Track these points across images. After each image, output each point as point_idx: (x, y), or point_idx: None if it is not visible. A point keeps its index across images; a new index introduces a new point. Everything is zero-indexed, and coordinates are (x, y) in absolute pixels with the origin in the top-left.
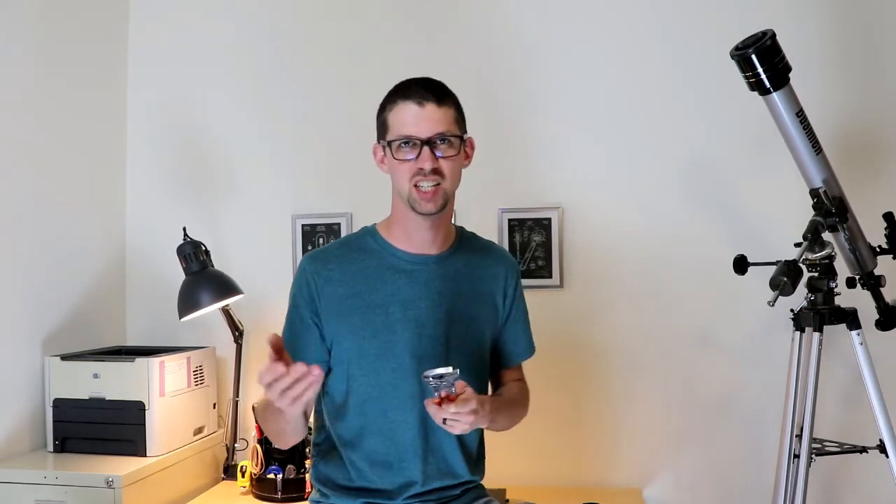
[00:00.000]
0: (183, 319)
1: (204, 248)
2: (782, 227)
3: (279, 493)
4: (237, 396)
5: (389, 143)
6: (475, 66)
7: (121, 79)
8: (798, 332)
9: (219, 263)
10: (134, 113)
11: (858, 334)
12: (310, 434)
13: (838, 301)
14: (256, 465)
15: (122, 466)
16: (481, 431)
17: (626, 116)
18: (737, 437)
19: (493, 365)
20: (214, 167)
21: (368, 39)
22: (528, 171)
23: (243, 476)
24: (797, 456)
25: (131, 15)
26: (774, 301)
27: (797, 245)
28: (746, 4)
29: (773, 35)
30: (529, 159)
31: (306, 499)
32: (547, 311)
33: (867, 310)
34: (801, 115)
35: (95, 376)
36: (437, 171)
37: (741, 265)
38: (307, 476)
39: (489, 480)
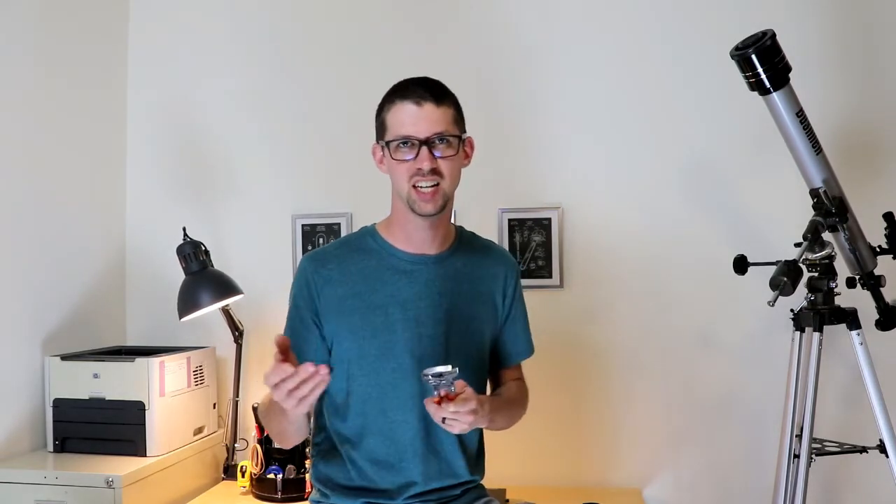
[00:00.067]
0: (183, 319)
1: (204, 248)
2: (782, 227)
3: (279, 493)
4: (237, 396)
5: (388, 144)
6: (475, 66)
7: (121, 79)
8: (798, 332)
9: (219, 263)
10: (134, 113)
11: (858, 334)
12: (310, 434)
13: (838, 301)
14: (256, 465)
15: (122, 466)
16: (481, 431)
17: (626, 116)
18: (737, 437)
19: (493, 364)
20: (214, 167)
21: (368, 39)
22: (528, 171)
23: (243, 476)
24: (797, 456)
25: (131, 15)
26: (774, 301)
27: (797, 245)
28: (746, 4)
29: (773, 35)
30: (529, 159)
31: (306, 499)
32: (547, 311)
33: (867, 310)
34: (801, 115)
35: (95, 376)
36: (435, 172)
37: (741, 265)
38: (307, 476)
39: (489, 480)
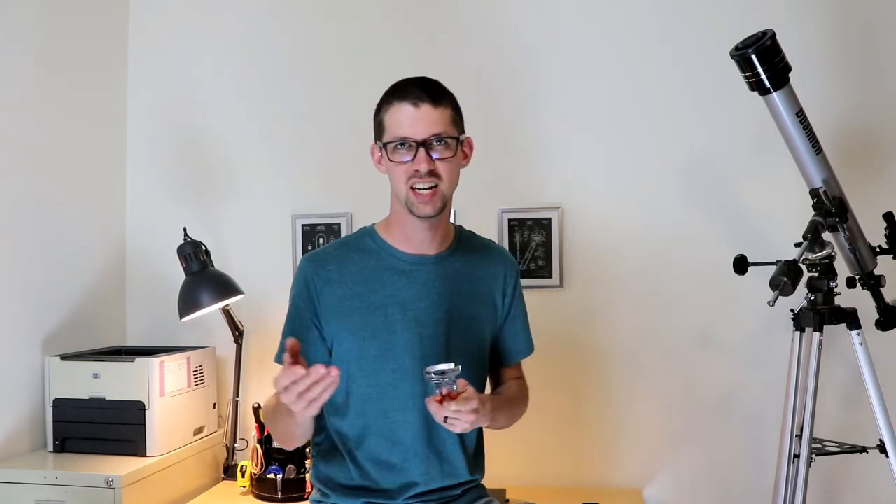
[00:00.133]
0: (184, 319)
1: (204, 248)
2: (782, 227)
3: (279, 493)
4: (237, 396)
5: (385, 145)
6: (475, 66)
7: (121, 79)
8: (798, 332)
9: (219, 263)
10: (134, 113)
11: (858, 334)
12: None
13: (838, 301)
14: (256, 465)
15: (122, 466)
16: (480, 430)
17: (626, 116)
18: (737, 437)
19: (493, 363)
20: (214, 167)
21: (368, 39)
22: (528, 171)
23: (243, 476)
24: (797, 456)
25: (131, 15)
26: (774, 301)
27: (797, 245)
28: (746, 4)
29: (773, 35)
30: (529, 159)
31: (306, 499)
32: (547, 311)
33: (867, 310)
34: (801, 115)
35: (95, 376)
36: (433, 173)
37: (741, 265)
38: (307, 476)
39: (489, 480)
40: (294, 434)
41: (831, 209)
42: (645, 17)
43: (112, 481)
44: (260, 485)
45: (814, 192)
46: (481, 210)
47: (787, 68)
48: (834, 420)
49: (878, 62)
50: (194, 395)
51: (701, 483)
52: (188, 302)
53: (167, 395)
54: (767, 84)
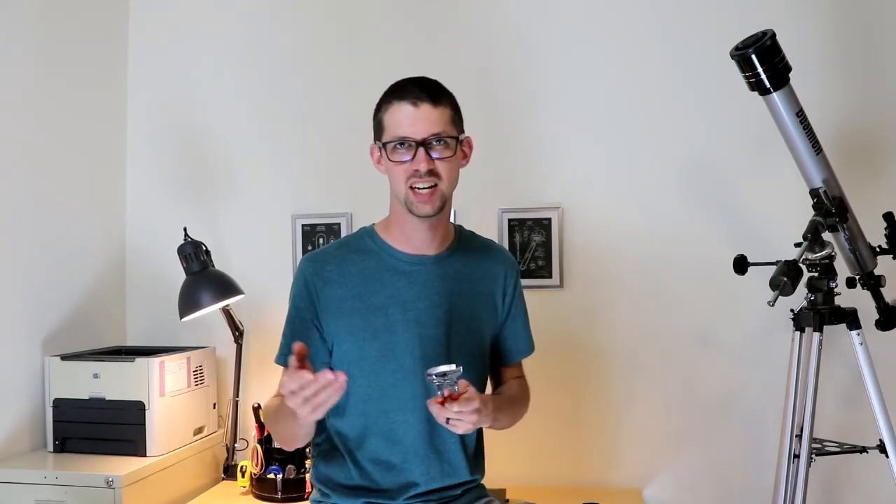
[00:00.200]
0: (184, 319)
1: (204, 248)
2: (782, 227)
3: (279, 493)
4: (237, 396)
5: (385, 145)
6: (475, 66)
7: (121, 79)
8: (798, 332)
9: (219, 263)
10: (134, 113)
11: (858, 334)
12: None
13: (838, 301)
14: (256, 465)
15: (122, 466)
16: (480, 430)
17: (626, 116)
18: (737, 437)
19: (494, 363)
20: (214, 167)
21: (368, 39)
22: (528, 171)
23: (243, 476)
24: (797, 456)
25: (131, 15)
26: (774, 301)
27: (797, 245)
28: (746, 4)
29: (773, 35)
30: (529, 159)
31: (306, 499)
32: (547, 311)
33: (867, 310)
34: (801, 115)
35: (95, 376)
36: (432, 173)
37: (741, 265)
38: (307, 476)
39: (489, 480)
40: (296, 435)
41: (831, 209)
42: (645, 17)
43: (112, 481)
44: (260, 485)
45: (814, 192)
46: (481, 210)
47: (787, 68)
48: (834, 420)
49: (878, 62)
50: (194, 395)
51: (701, 483)
52: (188, 302)
53: (167, 395)
54: (767, 84)
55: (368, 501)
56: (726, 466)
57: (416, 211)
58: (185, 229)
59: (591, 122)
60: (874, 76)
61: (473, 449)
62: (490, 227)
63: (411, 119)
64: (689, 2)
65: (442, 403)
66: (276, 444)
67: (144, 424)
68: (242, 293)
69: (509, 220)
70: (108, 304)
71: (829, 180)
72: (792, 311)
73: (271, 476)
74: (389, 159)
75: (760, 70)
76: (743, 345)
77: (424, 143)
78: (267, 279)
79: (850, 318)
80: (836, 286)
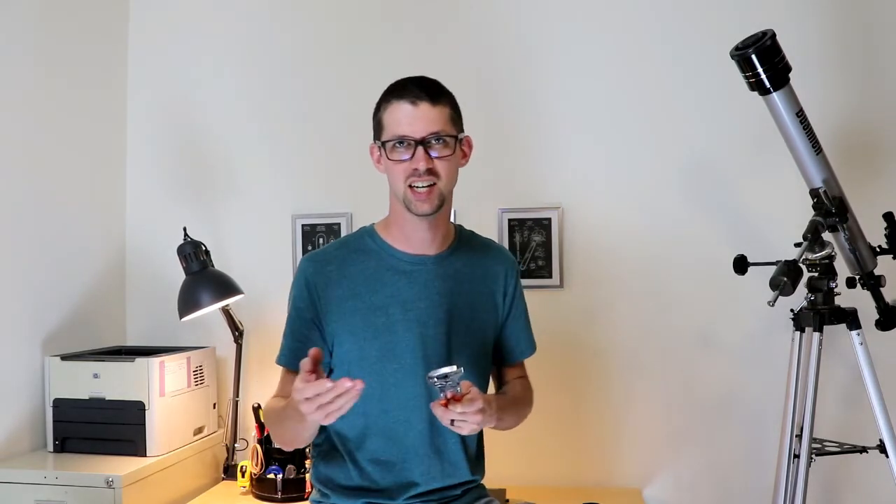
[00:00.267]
0: (183, 319)
1: (204, 248)
2: (782, 227)
3: (279, 493)
4: (237, 396)
5: (384, 144)
6: (475, 66)
7: (121, 79)
8: (798, 332)
9: (219, 263)
10: (134, 113)
11: (858, 334)
12: None
13: (838, 301)
14: (256, 465)
15: (122, 466)
16: (481, 430)
17: (626, 116)
18: (737, 437)
19: (496, 363)
20: (214, 167)
21: (368, 39)
22: (528, 171)
23: (243, 476)
24: (797, 456)
25: (131, 15)
26: (774, 301)
27: (797, 245)
28: (746, 4)
29: (773, 35)
30: (529, 159)
31: (306, 499)
32: (547, 311)
33: (867, 310)
34: (801, 115)
35: (95, 376)
36: (431, 172)
37: (741, 265)
38: (307, 476)
39: (489, 480)
40: (300, 437)
41: (831, 209)
42: (645, 17)
43: (112, 481)
44: (260, 485)
45: (814, 192)
46: (481, 210)
47: (787, 68)
48: (834, 420)
49: (878, 62)
50: (194, 395)
51: (701, 483)
52: (188, 302)
53: (167, 395)
54: (767, 84)
55: (368, 502)
56: (726, 466)
57: (414, 209)
58: (184, 229)
59: (591, 122)
60: (874, 76)
61: (474, 449)
62: (490, 227)
63: (410, 118)
64: (689, 2)
65: (445, 405)
66: (276, 445)
67: (144, 424)
68: (242, 293)
69: (509, 220)
70: (108, 304)
71: (829, 180)
72: (792, 311)
73: (271, 476)
74: (388, 158)
75: (760, 70)
76: (743, 345)
77: (423, 142)
78: (267, 279)
79: (850, 318)
80: (836, 286)
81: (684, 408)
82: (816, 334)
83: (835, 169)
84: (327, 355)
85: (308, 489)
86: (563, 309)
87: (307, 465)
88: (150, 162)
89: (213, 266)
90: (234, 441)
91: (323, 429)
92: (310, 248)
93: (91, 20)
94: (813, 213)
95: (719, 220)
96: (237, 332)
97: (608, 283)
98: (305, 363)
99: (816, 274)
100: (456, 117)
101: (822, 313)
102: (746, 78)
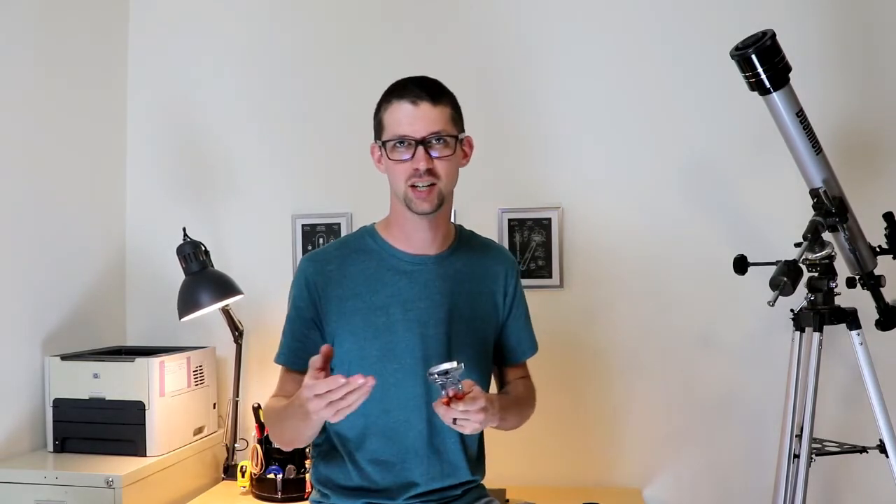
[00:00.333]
0: (183, 319)
1: (204, 249)
2: (782, 227)
3: (279, 493)
4: (237, 396)
5: (384, 144)
6: (475, 66)
7: (121, 79)
8: (798, 332)
9: (219, 263)
10: (134, 113)
11: (858, 334)
12: None
13: (838, 301)
14: (256, 465)
15: (122, 466)
16: (482, 430)
17: (626, 116)
18: (737, 437)
19: (498, 363)
20: (214, 167)
21: (368, 39)
22: (528, 171)
23: (243, 476)
24: (797, 456)
25: (131, 15)
26: (774, 301)
27: (797, 245)
28: (746, 4)
29: (773, 35)
30: (529, 159)
31: (306, 499)
32: (547, 311)
33: (867, 310)
34: (801, 115)
35: (95, 376)
36: (431, 172)
37: (741, 265)
38: (307, 476)
39: (489, 480)
40: (301, 437)
41: (831, 209)
42: (645, 17)
43: (112, 481)
44: (260, 485)
45: (814, 192)
46: (481, 210)
47: (787, 68)
48: (834, 420)
49: (878, 62)
50: (194, 395)
51: (701, 483)
52: (188, 302)
53: (167, 395)
54: (767, 84)
55: (368, 502)
56: (726, 466)
57: (414, 208)
58: (184, 229)
59: (591, 122)
60: (874, 76)
61: (474, 449)
62: (490, 227)
63: (411, 118)
64: (689, 2)
65: (447, 404)
66: (275, 445)
67: (144, 424)
68: (242, 293)
69: (509, 220)
70: (108, 304)
71: (829, 180)
72: (792, 311)
73: (271, 476)
74: (389, 158)
75: (760, 70)
76: (743, 345)
77: (424, 142)
78: (267, 279)
79: (850, 318)
80: (836, 286)
81: (684, 408)
82: (816, 334)
83: (835, 169)
84: None
85: (308, 489)
86: (563, 309)
87: (307, 465)
88: (150, 162)
89: (212, 266)
90: (234, 441)
91: (323, 429)
92: (310, 248)
93: (91, 20)
94: (813, 213)
95: (719, 220)
96: (237, 332)
97: (608, 283)
98: (316, 360)
99: (816, 274)
100: (457, 117)
101: (822, 313)
102: (746, 78)
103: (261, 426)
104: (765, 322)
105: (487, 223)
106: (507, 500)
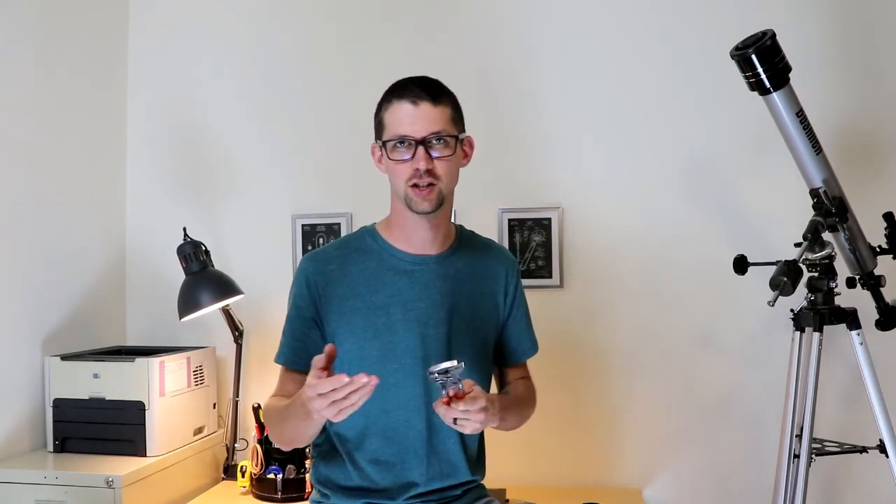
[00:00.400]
0: (183, 319)
1: (204, 248)
2: (782, 227)
3: (279, 493)
4: (237, 396)
5: (385, 143)
6: (475, 66)
7: (121, 79)
8: (798, 332)
9: (219, 263)
10: (134, 113)
11: (858, 334)
12: None
13: (838, 301)
14: (256, 465)
15: (122, 466)
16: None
17: (626, 116)
18: (737, 437)
19: (498, 364)
20: (214, 167)
21: (368, 39)
22: (528, 171)
23: (243, 476)
24: (797, 456)
25: (131, 15)
26: (774, 301)
27: (797, 245)
28: (746, 4)
29: (773, 35)
30: (529, 159)
31: (306, 499)
32: (547, 311)
33: (867, 310)
34: (801, 115)
35: (95, 376)
36: (431, 172)
37: (741, 265)
38: (307, 476)
39: (489, 480)
40: (302, 437)
41: (831, 209)
42: (645, 17)
43: (112, 481)
44: (260, 485)
45: (814, 192)
46: (481, 210)
47: (787, 68)
48: (834, 420)
49: (878, 62)
50: (194, 395)
51: (701, 483)
52: (188, 302)
53: (167, 395)
54: (767, 84)
55: (368, 502)
56: (726, 466)
57: (414, 207)
58: (184, 229)
59: (591, 122)
60: (874, 76)
61: (474, 450)
62: (490, 227)
63: (411, 118)
64: (689, 2)
65: (447, 404)
66: (275, 444)
67: (144, 424)
68: (242, 293)
69: (509, 220)
70: (108, 304)
71: (829, 180)
72: (792, 311)
73: (271, 476)
74: (389, 158)
75: (760, 70)
76: (743, 345)
77: (424, 142)
78: (267, 279)
79: (850, 318)
80: (836, 286)
81: (684, 408)
82: (816, 334)
83: (835, 169)
84: None
85: (308, 489)
86: (563, 309)
87: (307, 465)
88: (150, 162)
89: (213, 266)
90: (234, 441)
91: (323, 429)
92: (310, 247)
93: (91, 20)
94: (813, 213)
95: (719, 220)
96: (237, 332)
97: (608, 283)
98: (319, 360)
99: (816, 274)
100: (457, 117)
101: (822, 313)
102: (746, 78)
103: (261, 426)
104: (765, 322)
105: (487, 223)
106: (507, 500)
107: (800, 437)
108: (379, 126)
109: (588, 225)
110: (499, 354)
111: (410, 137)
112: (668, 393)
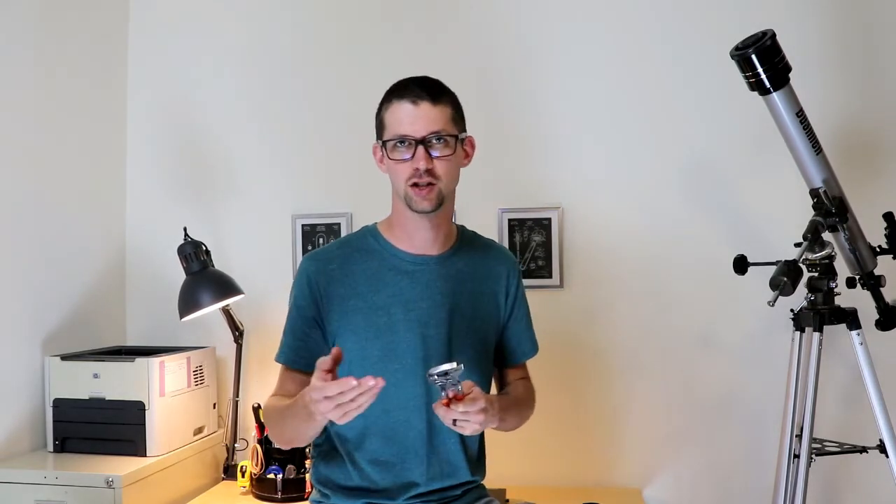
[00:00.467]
0: (184, 319)
1: (204, 248)
2: (782, 227)
3: (279, 493)
4: (237, 396)
5: (385, 143)
6: (475, 66)
7: (121, 79)
8: (798, 332)
9: (219, 263)
10: (134, 113)
11: (858, 334)
12: None
13: (838, 301)
14: (256, 465)
15: (122, 466)
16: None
17: (626, 116)
18: (737, 437)
19: (498, 364)
20: (214, 167)
21: (368, 39)
22: (528, 171)
23: (243, 476)
24: (797, 456)
25: (131, 15)
26: (774, 301)
27: (797, 245)
28: (746, 4)
29: (773, 35)
30: (529, 159)
31: (306, 499)
32: (547, 311)
33: (867, 310)
34: (801, 115)
35: (95, 376)
36: (431, 172)
37: (741, 265)
38: (307, 476)
39: (489, 480)
40: (302, 437)
41: (831, 209)
42: (645, 17)
43: (112, 481)
44: (260, 485)
45: (814, 192)
46: (481, 210)
47: (787, 68)
48: (834, 420)
49: (878, 62)
50: (194, 395)
51: (701, 483)
52: (188, 302)
53: (167, 395)
54: (767, 84)
55: (368, 502)
56: (726, 466)
57: (414, 206)
58: (185, 229)
59: (591, 122)
60: (874, 76)
61: (475, 450)
62: (490, 227)
63: (411, 117)
64: (689, 2)
65: (447, 405)
66: (275, 444)
67: (144, 424)
68: (242, 293)
69: (509, 220)
70: (108, 304)
71: (829, 180)
72: (792, 311)
73: (271, 476)
74: (390, 157)
75: (760, 70)
76: (743, 345)
77: (424, 142)
78: (267, 279)
79: (850, 318)
80: (836, 286)
81: (684, 408)
82: (816, 334)
83: (835, 169)
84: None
85: (308, 489)
86: (563, 309)
87: (307, 465)
88: (150, 162)
89: (213, 266)
90: (234, 441)
91: (323, 429)
92: (310, 247)
93: (91, 20)
94: (813, 213)
95: (719, 220)
96: (237, 332)
97: (608, 283)
98: (324, 362)
99: (816, 274)
100: (458, 117)
101: (822, 313)
102: (746, 78)
103: (261, 426)
104: (765, 322)
105: (487, 223)
106: (507, 500)
107: (800, 437)
108: (380, 126)
109: (588, 225)
110: (499, 355)
111: (410, 137)
112: (668, 393)
